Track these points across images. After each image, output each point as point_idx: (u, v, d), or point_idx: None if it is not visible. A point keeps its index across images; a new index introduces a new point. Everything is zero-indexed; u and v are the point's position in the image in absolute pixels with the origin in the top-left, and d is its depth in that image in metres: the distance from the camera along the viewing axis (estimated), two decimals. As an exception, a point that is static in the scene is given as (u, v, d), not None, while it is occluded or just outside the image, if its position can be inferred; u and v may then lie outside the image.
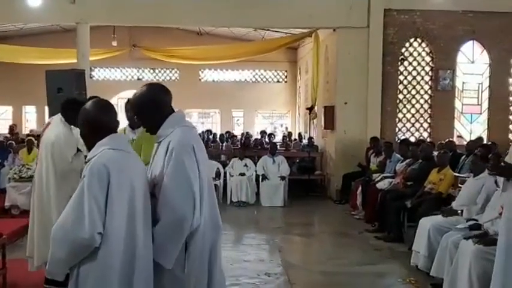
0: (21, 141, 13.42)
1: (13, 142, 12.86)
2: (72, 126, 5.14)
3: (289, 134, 16.73)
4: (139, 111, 3.14)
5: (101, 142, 2.84)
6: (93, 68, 17.71)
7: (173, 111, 3.16)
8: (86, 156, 3.10)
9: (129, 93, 19.56)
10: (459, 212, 6.49)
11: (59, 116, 5.36)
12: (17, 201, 9.24)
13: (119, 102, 17.67)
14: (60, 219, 2.73)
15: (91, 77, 16.31)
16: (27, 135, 13.61)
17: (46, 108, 16.68)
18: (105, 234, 2.68)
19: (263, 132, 16.09)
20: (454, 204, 6.71)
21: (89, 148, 2.91)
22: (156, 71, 19.37)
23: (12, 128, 16.60)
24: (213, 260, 3.09)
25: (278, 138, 16.51)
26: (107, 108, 2.97)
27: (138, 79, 19.04)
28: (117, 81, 19.06)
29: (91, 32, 12.29)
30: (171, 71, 19.36)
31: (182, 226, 2.89)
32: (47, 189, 5.23)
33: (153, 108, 3.08)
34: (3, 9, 11.81)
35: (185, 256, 2.95)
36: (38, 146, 10.30)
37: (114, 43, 16.45)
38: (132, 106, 3.20)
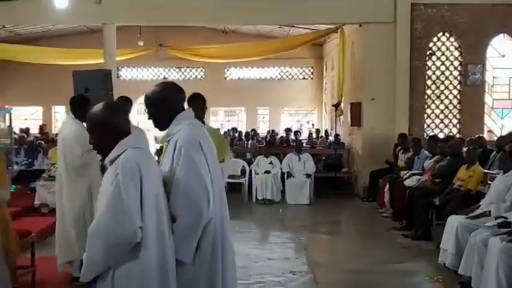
0: (51, 140, 13.62)
1: (42, 142, 13.08)
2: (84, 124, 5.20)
3: (317, 130, 16.63)
4: (150, 110, 3.19)
5: (122, 142, 2.81)
6: (119, 67, 17.90)
7: (183, 110, 3.22)
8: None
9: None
10: (487, 212, 6.34)
11: (70, 114, 5.47)
12: (46, 200, 9.36)
13: (145, 101, 17.81)
14: (97, 219, 2.69)
15: (118, 77, 16.51)
16: (57, 134, 13.80)
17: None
18: (143, 232, 2.68)
19: (288, 130, 16.02)
20: (483, 202, 6.57)
21: (102, 151, 2.88)
22: (182, 69, 19.45)
23: (42, 128, 16.90)
24: (224, 255, 3.12)
25: (304, 136, 16.42)
26: (119, 109, 2.94)
27: (164, 78, 19.15)
28: (143, 81, 19.20)
29: (117, 32, 12.42)
30: (196, 70, 19.42)
31: (200, 220, 2.96)
32: (63, 186, 5.34)
33: (162, 107, 3.15)
34: (31, 11, 12.04)
35: (196, 250, 2.99)
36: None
37: (141, 43, 16.58)
38: (145, 105, 3.22)
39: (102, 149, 2.88)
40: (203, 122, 4.21)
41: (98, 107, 2.87)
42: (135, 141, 2.85)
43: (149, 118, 3.21)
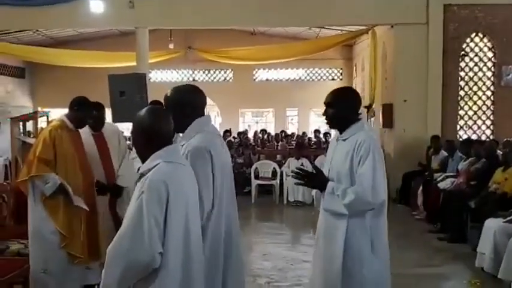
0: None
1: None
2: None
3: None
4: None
5: (156, 154, 2.69)
6: (150, 70, 18.06)
7: (203, 113, 3.19)
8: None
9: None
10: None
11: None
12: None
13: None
14: (117, 239, 2.61)
15: (148, 80, 16.66)
16: None
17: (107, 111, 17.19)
18: (164, 256, 2.56)
19: (317, 131, 15.99)
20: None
21: (142, 158, 2.77)
22: (211, 71, 19.58)
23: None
24: (229, 251, 3.13)
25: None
26: (164, 117, 2.79)
27: (194, 80, 19.32)
28: (173, 83, 19.22)
29: (149, 35, 12.56)
30: (225, 72, 19.53)
31: None
32: None
33: (178, 109, 3.08)
34: (65, 16, 12.23)
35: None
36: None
37: (171, 45, 16.76)
38: (164, 106, 3.20)
39: (143, 157, 2.77)
40: None
41: (144, 111, 2.77)
42: (168, 155, 2.71)
43: None
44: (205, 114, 3.27)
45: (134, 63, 12.52)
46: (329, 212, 3.44)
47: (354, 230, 3.31)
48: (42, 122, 13.68)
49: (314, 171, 3.53)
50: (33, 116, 13.73)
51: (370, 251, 3.32)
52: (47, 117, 11.93)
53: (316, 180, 3.52)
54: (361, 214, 3.32)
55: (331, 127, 3.75)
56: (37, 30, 15.45)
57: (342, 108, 3.50)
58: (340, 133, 3.53)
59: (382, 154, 3.42)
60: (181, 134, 3.19)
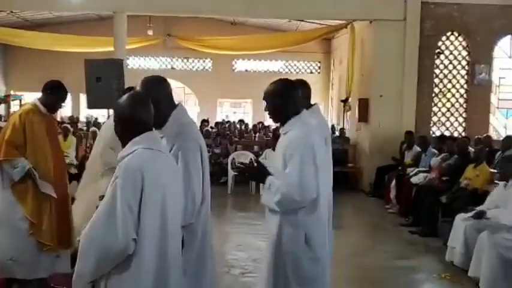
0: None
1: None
2: None
3: (332, 127, 16.50)
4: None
5: (135, 140, 2.65)
6: (127, 56, 17.86)
7: (174, 103, 3.17)
8: None
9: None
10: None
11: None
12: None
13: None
14: (90, 226, 2.57)
15: (126, 66, 16.49)
16: (62, 122, 13.65)
17: (81, 96, 16.93)
18: (138, 243, 2.53)
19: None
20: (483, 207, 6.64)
21: (123, 144, 2.73)
22: (190, 60, 19.47)
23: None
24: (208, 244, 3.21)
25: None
26: (144, 104, 2.75)
27: (172, 68, 19.20)
28: (151, 71, 19.04)
29: (127, 21, 12.42)
30: (204, 61, 19.44)
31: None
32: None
33: (153, 104, 2.90)
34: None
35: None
36: (73, 134, 10.54)
37: (150, 32, 16.60)
38: None
39: (123, 143, 2.74)
40: None
41: (123, 99, 2.75)
42: (147, 141, 2.67)
43: None
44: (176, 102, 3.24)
45: (112, 49, 12.36)
46: (266, 206, 3.44)
47: (284, 224, 3.29)
48: (14, 106, 13.50)
49: (255, 165, 3.49)
50: (6, 100, 13.53)
51: (304, 244, 3.28)
52: (20, 100, 11.74)
53: (255, 174, 3.51)
54: (292, 211, 3.28)
55: (274, 121, 3.66)
56: (11, 12, 15.11)
57: (276, 102, 3.40)
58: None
59: (316, 150, 3.30)
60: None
